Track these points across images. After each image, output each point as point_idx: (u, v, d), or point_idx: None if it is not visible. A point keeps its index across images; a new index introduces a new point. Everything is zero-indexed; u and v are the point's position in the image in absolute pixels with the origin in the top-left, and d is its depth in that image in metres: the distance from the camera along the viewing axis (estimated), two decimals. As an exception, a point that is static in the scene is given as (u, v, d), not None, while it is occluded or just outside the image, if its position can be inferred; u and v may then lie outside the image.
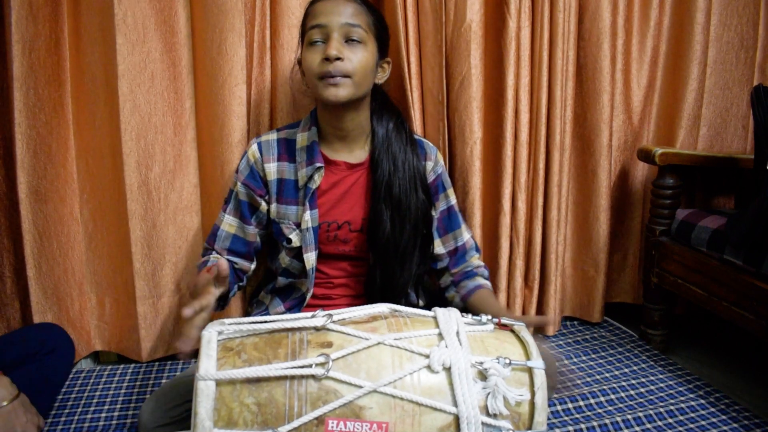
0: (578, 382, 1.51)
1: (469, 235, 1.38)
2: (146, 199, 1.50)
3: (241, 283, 1.32)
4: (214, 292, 1.00)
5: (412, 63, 1.53)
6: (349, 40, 1.15)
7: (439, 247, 1.35)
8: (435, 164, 1.33)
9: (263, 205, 1.27)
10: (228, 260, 1.29)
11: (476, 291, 1.30)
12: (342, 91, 1.15)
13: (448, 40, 1.53)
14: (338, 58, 1.13)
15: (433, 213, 1.33)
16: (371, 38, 1.19)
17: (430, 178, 1.32)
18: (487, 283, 1.34)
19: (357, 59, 1.15)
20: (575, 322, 1.88)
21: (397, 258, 1.24)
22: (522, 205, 1.64)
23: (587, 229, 1.79)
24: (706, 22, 1.70)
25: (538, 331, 1.76)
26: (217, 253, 1.29)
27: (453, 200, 1.36)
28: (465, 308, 1.31)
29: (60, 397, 1.43)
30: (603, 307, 1.83)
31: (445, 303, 1.41)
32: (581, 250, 1.83)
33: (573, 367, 1.60)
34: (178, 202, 1.55)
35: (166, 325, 1.58)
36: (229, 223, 1.28)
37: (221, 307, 1.28)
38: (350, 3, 1.17)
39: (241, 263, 1.30)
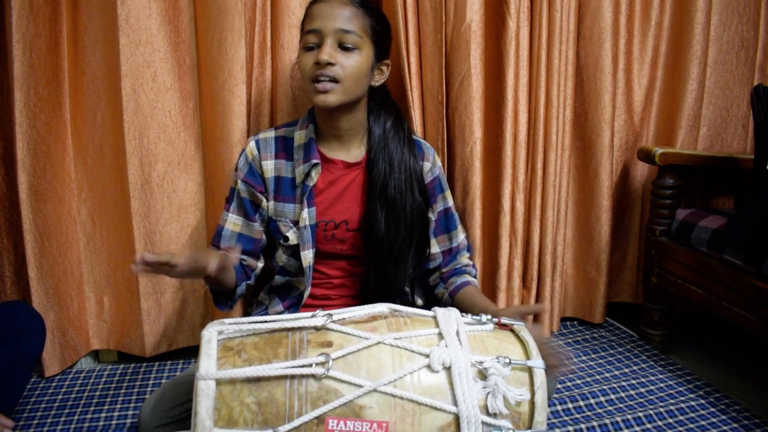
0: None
1: (463, 235, 1.38)
2: (149, 197, 1.50)
3: (248, 281, 1.32)
4: (212, 266, 1.02)
5: (412, 63, 1.53)
6: (342, 45, 1.15)
7: (434, 247, 1.35)
8: (432, 165, 1.33)
9: (264, 202, 1.27)
10: None
11: (463, 288, 1.30)
12: (331, 98, 1.15)
13: (448, 40, 1.53)
14: (329, 63, 1.13)
15: (431, 215, 1.33)
16: (367, 43, 1.18)
17: (428, 179, 1.32)
18: (474, 280, 1.34)
19: (349, 65, 1.15)
20: (575, 323, 1.89)
21: (392, 258, 1.24)
22: (520, 206, 1.64)
23: (588, 229, 1.79)
24: (706, 21, 1.70)
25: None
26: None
27: (450, 202, 1.37)
28: (453, 304, 1.30)
29: (60, 396, 1.44)
30: (605, 308, 1.82)
31: (443, 302, 1.41)
32: (583, 251, 1.83)
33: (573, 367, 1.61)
34: (181, 200, 1.55)
35: (169, 321, 1.59)
36: (233, 222, 1.28)
37: (229, 306, 1.28)
38: (347, 6, 1.16)
39: (248, 260, 1.30)
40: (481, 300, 1.25)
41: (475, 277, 1.36)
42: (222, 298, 1.27)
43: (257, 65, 1.51)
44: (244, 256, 1.29)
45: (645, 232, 1.77)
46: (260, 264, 1.33)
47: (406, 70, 1.52)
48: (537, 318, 1.74)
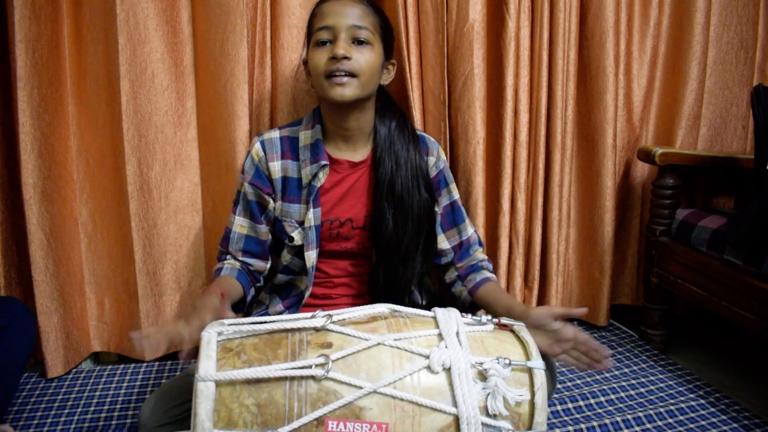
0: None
1: (472, 229, 1.38)
2: (147, 198, 1.50)
3: (258, 284, 1.32)
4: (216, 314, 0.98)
5: (412, 63, 1.53)
6: (356, 41, 1.16)
7: (443, 242, 1.35)
8: (437, 159, 1.33)
9: (271, 204, 1.27)
10: (243, 262, 1.29)
11: (484, 284, 1.29)
12: (348, 91, 1.15)
13: (450, 40, 1.53)
14: (345, 57, 1.14)
15: (437, 209, 1.33)
16: (377, 39, 1.19)
17: (432, 173, 1.32)
18: (493, 276, 1.34)
19: (364, 59, 1.16)
20: (575, 323, 1.88)
21: (400, 256, 1.24)
22: (521, 205, 1.64)
23: (592, 230, 1.78)
24: (706, 22, 1.70)
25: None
26: (232, 255, 1.29)
27: (456, 195, 1.36)
28: (472, 302, 1.30)
29: (60, 397, 1.44)
30: (609, 310, 1.82)
31: (445, 302, 1.41)
32: (586, 252, 1.82)
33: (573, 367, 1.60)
34: (179, 201, 1.55)
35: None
36: (240, 225, 1.29)
37: (242, 310, 1.28)
38: (357, 4, 1.18)
39: (257, 264, 1.30)
40: (505, 298, 1.22)
41: (492, 272, 1.35)
42: (234, 307, 1.26)
43: (258, 65, 1.51)
44: (251, 261, 1.29)
45: (645, 232, 1.77)
46: (268, 264, 1.32)
47: (407, 70, 1.52)
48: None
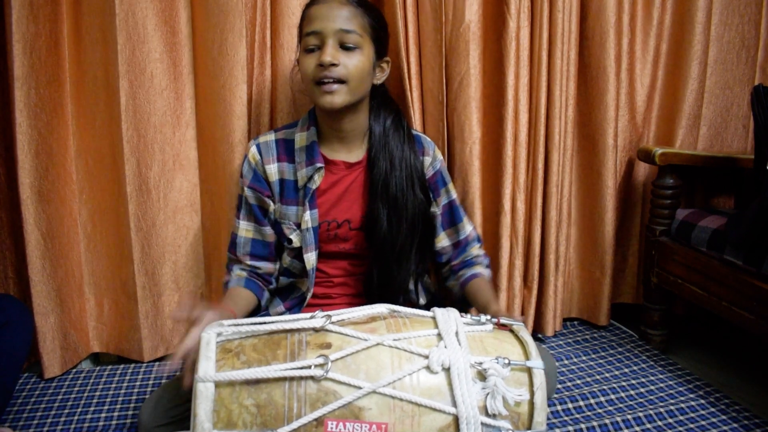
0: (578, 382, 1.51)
1: (471, 227, 1.38)
2: (146, 198, 1.50)
3: (270, 286, 1.31)
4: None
5: (411, 63, 1.53)
6: (344, 45, 1.15)
7: (443, 241, 1.36)
8: (433, 159, 1.33)
9: (272, 206, 1.27)
10: (251, 266, 1.28)
11: (472, 279, 1.30)
12: (337, 98, 1.15)
13: (447, 40, 1.53)
14: (333, 64, 1.13)
15: (435, 209, 1.33)
16: (367, 41, 1.18)
17: (429, 173, 1.32)
18: (486, 271, 1.34)
19: (353, 65, 1.15)
20: (575, 323, 1.88)
21: (394, 256, 1.25)
22: (521, 206, 1.64)
23: (593, 230, 1.78)
24: (707, 21, 1.70)
25: (538, 330, 1.76)
26: (240, 260, 1.28)
27: (454, 194, 1.37)
28: (463, 296, 1.32)
29: (60, 397, 1.44)
30: (609, 310, 1.82)
31: (445, 302, 1.41)
32: (587, 252, 1.82)
33: (573, 367, 1.60)
34: (177, 201, 1.55)
35: (166, 324, 1.59)
36: (245, 229, 1.28)
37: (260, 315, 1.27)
38: (345, 6, 1.16)
39: (265, 266, 1.29)
40: (484, 295, 1.24)
41: (487, 266, 1.36)
42: (252, 314, 1.26)
43: (257, 65, 1.51)
44: (259, 264, 1.28)
45: (645, 232, 1.77)
46: (277, 266, 1.32)
47: (406, 71, 1.52)
48: (540, 318, 1.74)
